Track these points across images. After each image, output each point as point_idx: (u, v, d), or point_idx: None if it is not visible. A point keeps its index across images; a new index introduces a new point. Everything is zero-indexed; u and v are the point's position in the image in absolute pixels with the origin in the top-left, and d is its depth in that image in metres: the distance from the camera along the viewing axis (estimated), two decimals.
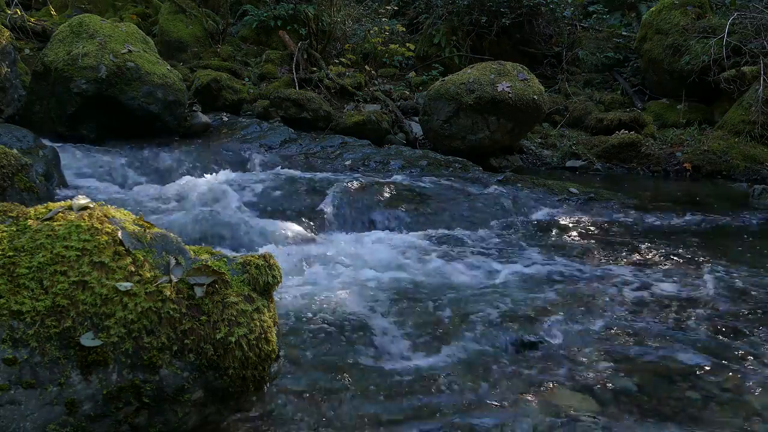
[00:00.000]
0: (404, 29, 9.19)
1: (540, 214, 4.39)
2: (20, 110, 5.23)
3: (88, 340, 1.50)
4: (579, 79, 8.39)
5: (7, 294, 1.48)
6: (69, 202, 1.72)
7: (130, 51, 5.18)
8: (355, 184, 4.39)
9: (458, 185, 4.79)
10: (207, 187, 4.18)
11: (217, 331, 1.66)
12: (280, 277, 1.84)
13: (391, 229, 3.97)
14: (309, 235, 3.77)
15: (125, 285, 1.58)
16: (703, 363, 2.41)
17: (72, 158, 4.61)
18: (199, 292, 1.67)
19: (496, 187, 4.83)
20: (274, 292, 1.85)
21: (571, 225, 4.18)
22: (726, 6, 7.78)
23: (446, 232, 3.96)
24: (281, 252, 3.40)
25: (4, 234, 1.58)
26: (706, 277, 3.32)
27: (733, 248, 3.80)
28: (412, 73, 8.26)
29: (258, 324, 1.74)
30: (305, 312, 2.70)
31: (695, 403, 2.15)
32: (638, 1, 9.61)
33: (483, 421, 2.00)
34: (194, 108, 5.92)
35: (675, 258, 3.61)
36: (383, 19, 9.05)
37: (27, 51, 6.72)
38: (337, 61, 7.88)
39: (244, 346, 1.69)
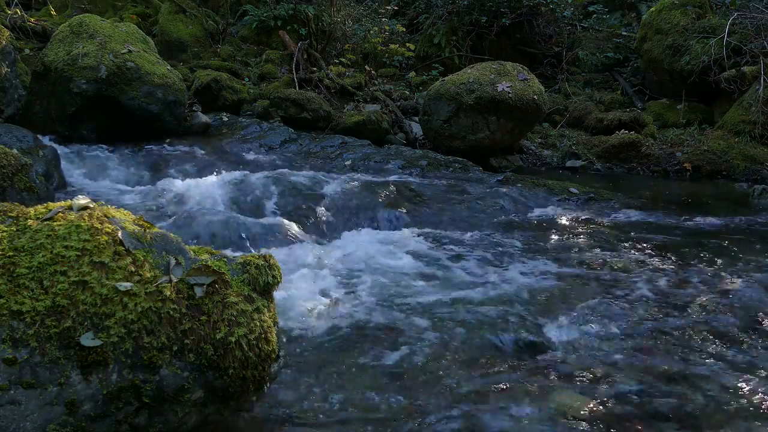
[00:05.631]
0: (404, 29, 9.19)
1: (540, 214, 4.39)
2: (20, 110, 5.23)
3: (88, 340, 1.50)
4: (579, 79, 8.39)
5: (7, 294, 1.48)
6: (69, 202, 1.72)
7: (130, 51, 5.18)
8: (355, 184, 4.39)
9: (458, 185, 4.79)
10: (207, 187, 4.17)
11: (217, 331, 1.66)
12: (280, 277, 1.84)
13: (391, 229, 3.97)
14: (309, 235, 3.77)
15: (125, 285, 1.58)
16: (704, 363, 2.41)
17: (72, 158, 4.61)
18: (199, 292, 1.67)
19: (496, 187, 4.83)
20: (274, 292, 1.85)
21: (571, 225, 4.18)
22: (726, 6, 7.78)
23: (446, 232, 3.96)
24: (281, 252, 3.40)
25: (4, 234, 1.58)
26: (706, 277, 3.32)
27: (734, 249, 3.80)
28: (412, 73, 8.26)
29: (258, 324, 1.74)
30: (305, 312, 2.70)
31: (695, 403, 2.15)
32: (638, 1, 9.61)
33: (482, 421, 2.00)
34: (194, 108, 5.92)
35: (675, 258, 3.61)
36: (383, 19, 9.05)
37: (27, 51, 6.72)
38: (337, 61, 7.88)
39: (244, 346, 1.69)
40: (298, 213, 4.01)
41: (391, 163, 5.30)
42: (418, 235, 3.86)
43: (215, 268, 1.73)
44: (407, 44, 8.38)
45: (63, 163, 4.31)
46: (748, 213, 4.70)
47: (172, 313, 1.61)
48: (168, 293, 1.62)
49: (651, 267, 3.46)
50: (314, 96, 6.68)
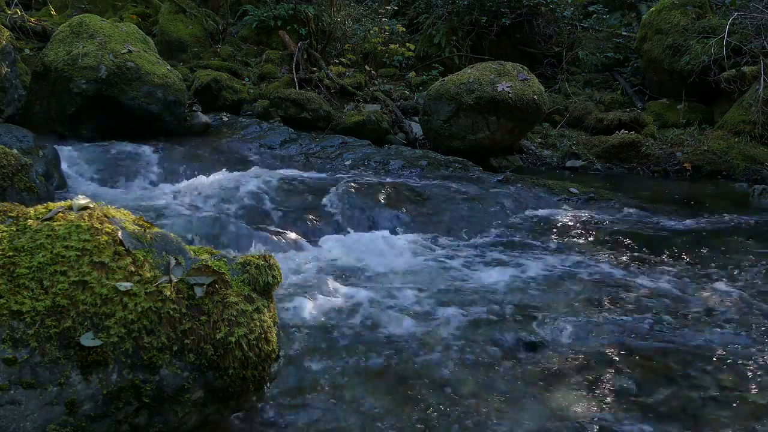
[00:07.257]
0: (404, 29, 9.19)
1: (540, 214, 4.39)
2: (20, 110, 5.23)
3: (88, 340, 1.50)
4: (579, 79, 8.39)
5: (7, 294, 1.48)
6: (69, 202, 1.72)
7: (130, 51, 5.18)
8: (355, 184, 4.39)
9: (458, 185, 4.79)
10: (206, 188, 4.17)
11: (217, 331, 1.66)
12: (280, 277, 1.84)
13: (392, 230, 3.96)
14: (308, 234, 3.77)
15: (125, 285, 1.58)
16: (704, 363, 2.41)
17: (72, 158, 4.61)
18: (199, 292, 1.67)
19: (496, 187, 4.83)
20: (274, 292, 1.85)
21: (571, 225, 4.18)
22: (726, 6, 7.78)
23: (446, 232, 3.96)
24: (280, 251, 3.40)
25: (4, 234, 1.58)
26: (706, 277, 3.32)
27: (734, 249, 3.80)
28: (412, 73, 8.26)
29: (258, 324, 1.74)
30: (305, 312, 2.70)
31: (695, 403, 2.15)
32: (638, 1, 9.61)
33: (482, 421, 2.00)
34: (194, 108, 5.93)
35: (675, 258, 3.61)
36: (383, 19, 9.05)
37: (27, 51, 6.72)
38: (337, 61, 7.88)
39: (244, 346, 1.69)
40: (298, 213, 4.01)
41: (391, 163, 5.30)
42: (418, 235, 3.86)
43: (215, 268, 1.73)
44: (407, 44, 8.38)
45: (63, 163, 4.31)
46: (748, 213, 4.70)
47: (172, 313, 1.61)
48: (168, 293, 1.62)
49: (651, 267, 3.46)
50: (314, 96, 6.68)
